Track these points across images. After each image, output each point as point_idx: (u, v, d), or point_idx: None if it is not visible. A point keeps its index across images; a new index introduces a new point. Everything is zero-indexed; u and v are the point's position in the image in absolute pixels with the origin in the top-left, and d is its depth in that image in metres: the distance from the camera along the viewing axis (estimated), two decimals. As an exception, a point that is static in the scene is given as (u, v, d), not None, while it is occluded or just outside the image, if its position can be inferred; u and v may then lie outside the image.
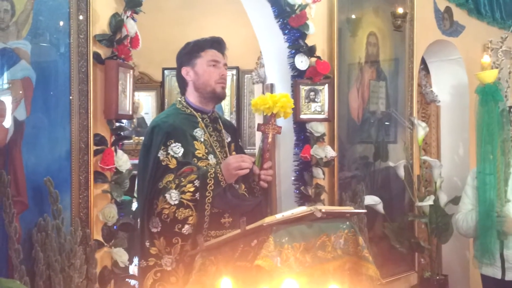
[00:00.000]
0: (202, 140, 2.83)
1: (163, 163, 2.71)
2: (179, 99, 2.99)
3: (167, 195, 2.61)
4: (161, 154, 2.73)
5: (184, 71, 2.94)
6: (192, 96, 2.94)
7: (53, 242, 2.28)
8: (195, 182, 2.64)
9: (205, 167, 2.73)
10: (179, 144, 2.75)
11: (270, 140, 2.83)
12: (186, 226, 2.65)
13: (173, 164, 2.72)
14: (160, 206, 2.63)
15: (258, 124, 2.90)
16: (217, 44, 2.96)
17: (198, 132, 2.85)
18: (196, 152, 2.78)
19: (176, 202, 2.61)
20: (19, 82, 2.27)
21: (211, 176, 2.64)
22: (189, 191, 2.63)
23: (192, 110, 2.92)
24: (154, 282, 2.68)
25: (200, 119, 2.90)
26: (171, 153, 2.74)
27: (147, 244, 2.67)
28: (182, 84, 2.99)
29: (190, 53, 2.95)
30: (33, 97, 2.32)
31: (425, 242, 4.34)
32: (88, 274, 2.40)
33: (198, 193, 2.62)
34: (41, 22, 2.35)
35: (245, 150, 3.27)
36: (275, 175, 3.74)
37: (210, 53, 2.92)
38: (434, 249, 4.39)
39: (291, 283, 1.52)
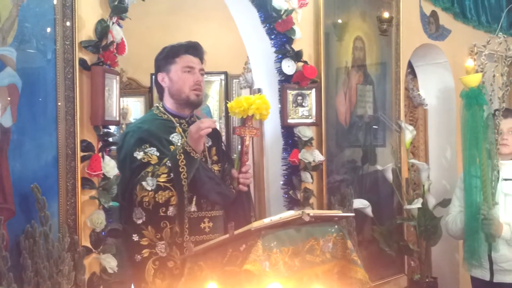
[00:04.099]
0: (179, 144, 2.83)
1: (143, 160, 2.72)
2: (157, 104, 3.00)
3: (143, 183, 2.64)
4: (137, 154, 2.74)
5: (160, 77, 2.94)
6: (168, 102, 2.94)
7: (41, 249, 2.27)
8: (167, 163, 2.68)
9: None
10: (154, 149, 2.77)
11: (247, 143, 2.85)
12: (170, 208, 2.67)
13: (154, 160, 2.74)
14: (140, 195, 2.65)
15: (234, 128, 2.91)
16: (193, 49, 2.94)
17: (175, 137, 2.86)
18: None
19: (153, 187, 2.64)
20: (4, 89, 2.26)
21: (180, 151, 2.67)
22: (163, 173, 2.66)
23: (169, 115, 2.92)
24: (155, 272, 2.68)
25: (177, 124, 2.90)
26: (149, 153, 2.75)
27: (136, 237, 2.68)
28: (159, 89, 2.98)
29: (165, 58, 2.94)
30: (19, 104, 2.31)
31: (414, 245, 4.35)
32: (76, 280, 2.39)
33: (172, 171, 2.64)
34: (27, 29, 2.34)
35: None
36: (263, 180, 3.75)
37: (185, 59, 2.90)
38: (423, 251, 4.41)
39: (276, 286, 1.52)
